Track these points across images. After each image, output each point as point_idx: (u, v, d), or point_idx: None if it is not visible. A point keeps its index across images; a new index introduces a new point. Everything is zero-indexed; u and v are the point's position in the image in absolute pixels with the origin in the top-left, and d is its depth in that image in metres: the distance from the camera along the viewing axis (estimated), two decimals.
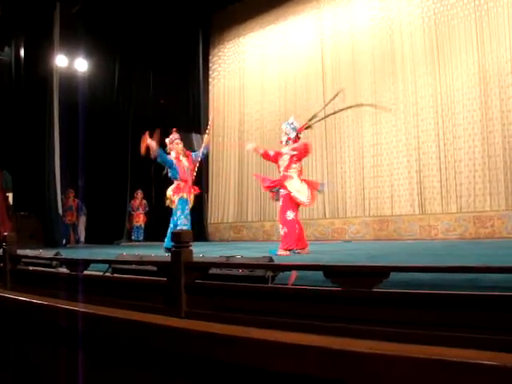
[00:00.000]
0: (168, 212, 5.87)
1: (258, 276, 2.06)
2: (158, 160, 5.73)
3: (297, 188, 5.17)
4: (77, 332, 2.29)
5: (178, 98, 11.65)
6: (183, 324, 1.96)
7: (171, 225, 5.65)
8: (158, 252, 4.69)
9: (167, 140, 5.83)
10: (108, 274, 2.76)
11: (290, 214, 5.08)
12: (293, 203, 5.14)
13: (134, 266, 2.71)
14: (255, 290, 1.94)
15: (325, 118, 6.07)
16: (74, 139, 9.32)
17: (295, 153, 5.23)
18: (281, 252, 4.90)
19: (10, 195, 9.74)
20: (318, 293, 1.76)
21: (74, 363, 2.31)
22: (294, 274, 2.21)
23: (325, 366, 1.44)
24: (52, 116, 9.35)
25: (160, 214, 9.07)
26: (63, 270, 3.06)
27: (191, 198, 5.78)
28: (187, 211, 5.66)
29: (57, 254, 3.35)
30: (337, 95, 5.84)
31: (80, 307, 2.41)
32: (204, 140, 6.11)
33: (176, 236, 2.23)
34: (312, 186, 5.37)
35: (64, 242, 9.63)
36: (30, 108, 9.32)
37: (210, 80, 11.55)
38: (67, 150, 9.57)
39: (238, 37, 11.05)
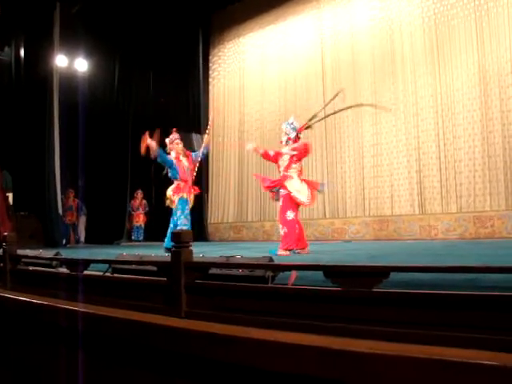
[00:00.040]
0: (168, 212, 5.88)
1: (257, 276, 2.06)
2: (158, 160, 5.73)
3: (297, 188, 5.17)
4: (77, 332, 2.29)
5: (178, 98, 11.65)
6: (183, 324, 1.96)
7: (171, 225, 5.65)
8: (158, 252, 4.69)
9: (167, 140, 5.83)
10: (108, 274, 2.76)
11: (290, 214, 5.08)
12: (293, 203, 5.14)
13: (134, 266, 2.71)
14: (255, 289, 1.94)
15: (325, 118, 6.06)
16: (74, 139, 9.32)
17: (295, 153, 5.23)
18: (281, 252, 4.90)
19: (10, 195, 9.74)
20: (317, 293, 1.76)
21: (73, 363, 2.31)
22: (293, 274, 2.21)
23: (325, 366, 1.44)
24: (52, 116, 9.35)
25: (160, 214, 9.07)
26: (63, 270, 3.06)
27: (191, 198, 5.78)
28: (187, 211, 5.66)
29: (57, 254, 3.35)
30: (337, 95, 5.84)
31: (80, 307, 2.41)
32: (204, 140, 6.11)
33: (176, 236, 2.22)
34: (312, 186, 5.37)
35: (64, 241, 9.63)
36: (29, 108, 9.32)
37: (210, 80, 11.55)
38: (67, 150, 9.56)
39: (237, 37, 11.05)
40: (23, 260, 3.48)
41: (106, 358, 2.26)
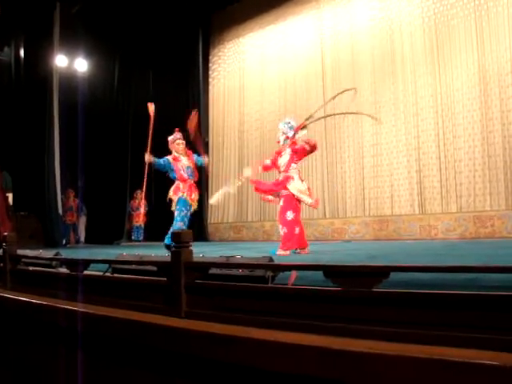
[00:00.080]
0: (168, 212, 5.85)
1: (257, 276, 2.05)
2: (155, 167, 5.70)
3: (300, 189, 5.16)
4: (76, 332, 2.29)
5: (178, 97, 11.64)
6: (183, 324, 1.96)
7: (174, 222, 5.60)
8: (158, 252, 4.68)
9: (169, 139, 5.79)
10: (108, 274, 2.76)
11: (290, 215, 5.08)
12: (293, 203, 5.13)
13: (133, 266, 2.71)
14: (255, 289, 1.94)
15: (321, 118, 6.06)
16: (74, 139, 9.32)
17: (297, 147, 5.20)
18: (281, 252, 4.90)
19: (10, 195, 9.75)
20: (317, 293, 1.76)
21: (73, 363, 2.31)
22: (293, 274, 2.21)
23: (325, 366, 1.43)
24: (52, 116, 9.35)
25: (160, 214, 9.06)
26: (63, 270, 3.06)
27: (193, 198, 5.61)
28: (185, 212, 5.53)
29: (57, 254, 3.35)
30: (336, 95, 5.83)
31: (80, 307, 2.40)
32: (204, 161, 5.94)
33: (176, 236, 2.22)
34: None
35: (64, 242, 9.64)
36: (29, 108, 9.32)
37: (210, 80, 11.55)
38: (67, 150, 9.57)
39: (237, 37, 11.05)
40: (23, 260, 3.47)
41: (105, 358, 2.26)
